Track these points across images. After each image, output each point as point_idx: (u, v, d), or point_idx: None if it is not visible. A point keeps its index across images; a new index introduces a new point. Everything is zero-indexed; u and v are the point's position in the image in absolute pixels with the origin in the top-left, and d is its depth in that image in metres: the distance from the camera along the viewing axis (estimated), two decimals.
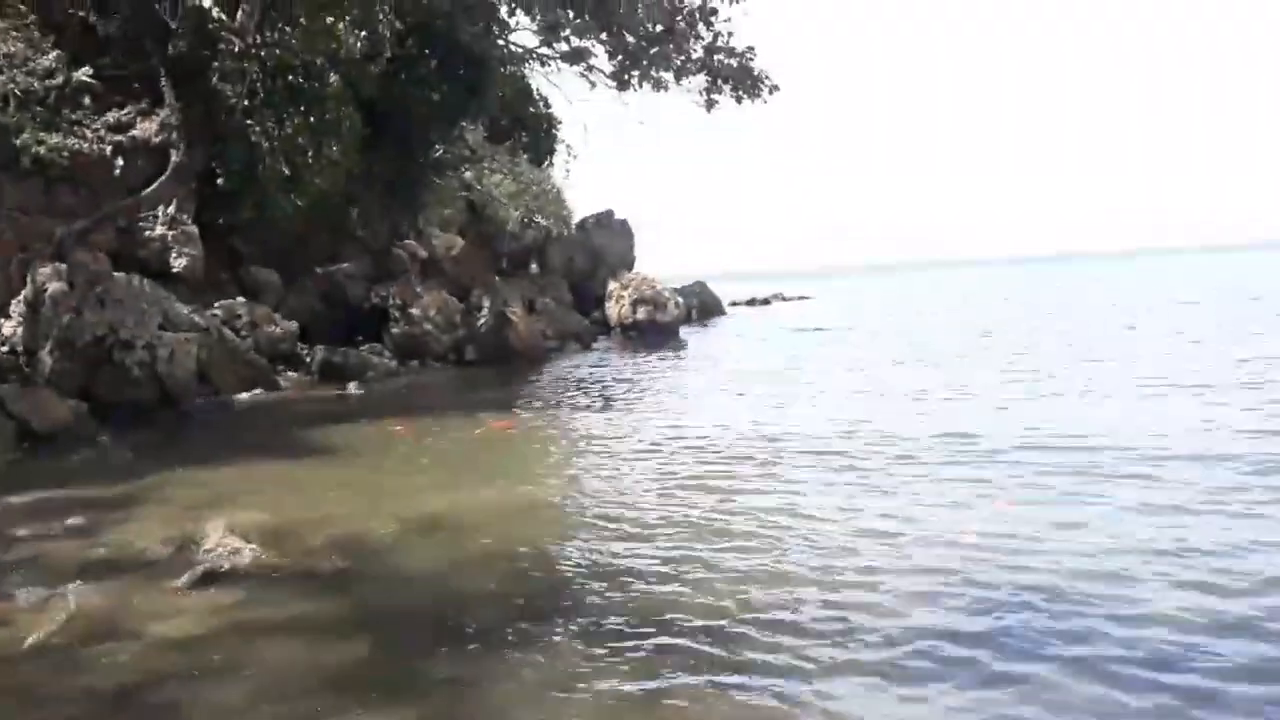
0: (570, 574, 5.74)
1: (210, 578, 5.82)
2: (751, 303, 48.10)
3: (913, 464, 7.80)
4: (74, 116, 15.27)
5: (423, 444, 10.16)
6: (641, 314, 26.30)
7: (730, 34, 19.90)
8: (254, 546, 6.30)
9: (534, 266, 28.90)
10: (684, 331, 27.34)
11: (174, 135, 14.96)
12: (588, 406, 12.71)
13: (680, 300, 27.30)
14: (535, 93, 21.90)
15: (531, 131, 21.64)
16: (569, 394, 14.18)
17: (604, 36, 19.66)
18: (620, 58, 19.89)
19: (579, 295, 27.78)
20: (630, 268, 30.72)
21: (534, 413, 12.38)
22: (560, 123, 22.07)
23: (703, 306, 35.29)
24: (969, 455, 7.97)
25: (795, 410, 11.03)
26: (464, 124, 21.02)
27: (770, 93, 21.47)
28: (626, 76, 20.15)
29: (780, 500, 6.98)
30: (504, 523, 6.98)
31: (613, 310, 27.03)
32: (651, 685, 4.30)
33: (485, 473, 8.67)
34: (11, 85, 14.44)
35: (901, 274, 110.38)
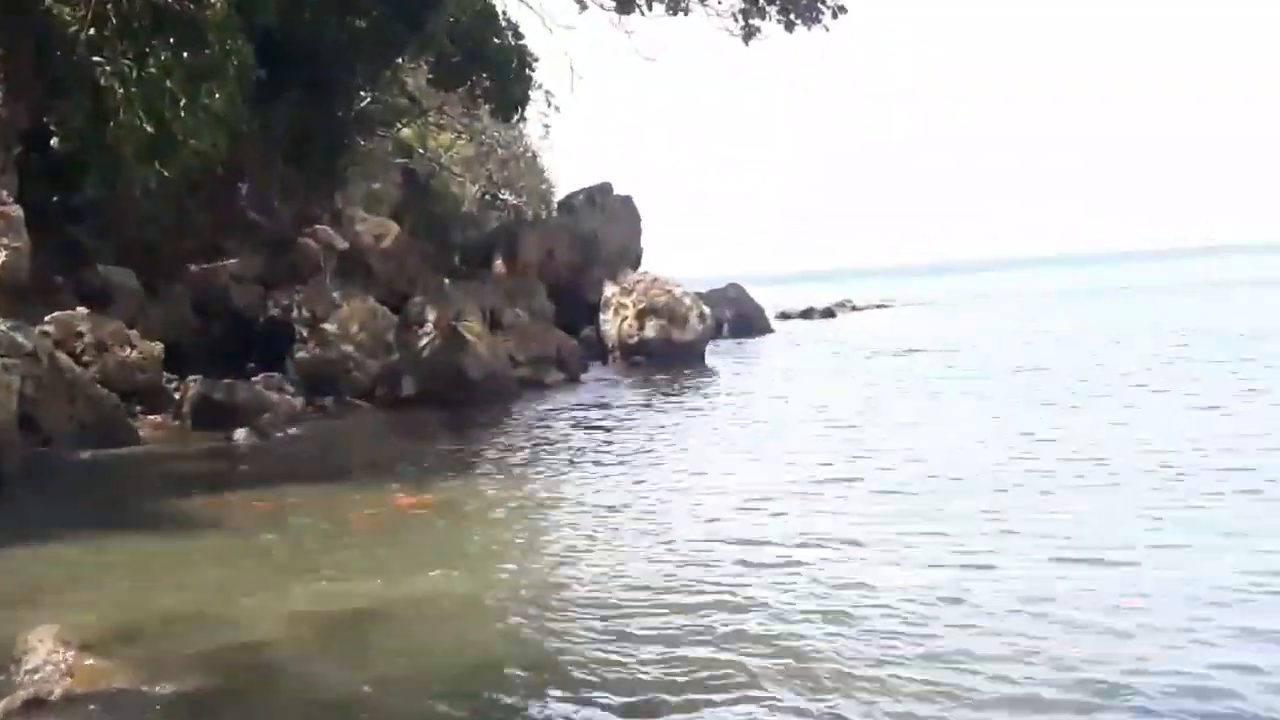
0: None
1: (35, 707, 5.89)
2: (809, 315, 49.08)
3: None
4: None
5: (286, 526, 10.60)
6: (652, 330, 26.67)
7: None
8: (96, 660, 6.39)
9: (499, 263, 29.09)
10: (712, 355, 27.83)
11: None
12: (560, 474, 12.94)
13: (706, 311, 27.58)
14: (501, 16, 22.13)
15: (496, 72, 21.85)
16: (538, 454, 14.48)
17: None
18: None
19: (564, 304, 28.03)
20: (635, 264, 30.92)
21: (476, 481, 12.69)
22: (537, 60, 22.34)
23: (739, 319, 35.87)
24: None
25: (924, 519, 9.53)
26: (400, 62, 21.60)
27: (834, 16, 21.62)
28: None
29: None
30: (433, 626, 7.32)
31: (611, 325, 27.34)
32: None
33: (415, 561, 9.06)
34: None
35: (972, 274, 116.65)
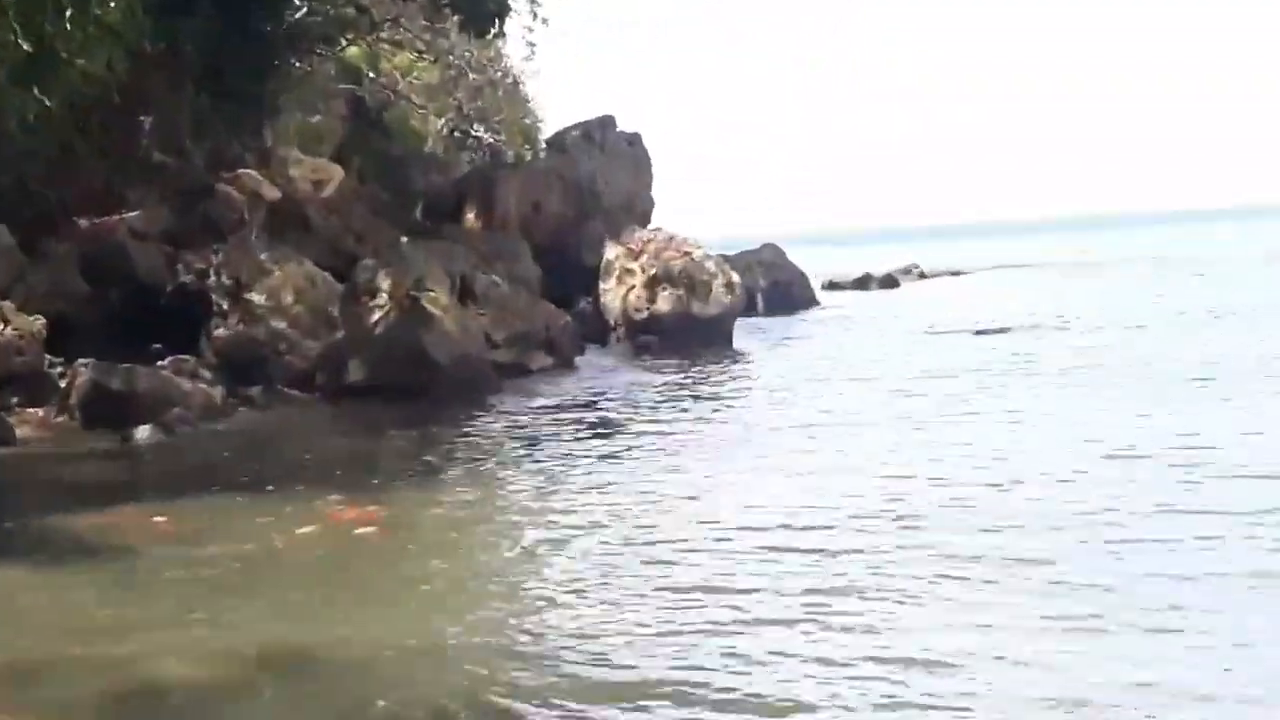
0: None
1: None
2: (864, 284, 48.85)
3: None
4: None
5: (196, 549, 10.69)
6: (665, 302, 26.80)
7: None
8: None
9: (471, 217, 29.03)
10: (742, 335, 27.78)
11: None
12: (541, 489, 12.88)
13: (735, 279, 27.50)
14: None
15: None
16: (515, 461, 14.46)
17: None
18: None
19: (554, 269, 28.10)
20: (645, 220, 30.82)
21: (437, 493, 12.74)
22: None
23: (776, 290, 35.71)
24: None
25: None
26: None
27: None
28: None
29: None
30: (373, 678, 7.42)
31: (614, 296, 27.44)
32: None
33: (355, 593, 9.24)
34: None
35: (1036, 235, 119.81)
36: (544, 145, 32.07)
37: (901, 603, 8.33)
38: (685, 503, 11.94)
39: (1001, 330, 27.13)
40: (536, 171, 30.70)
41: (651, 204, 32.73)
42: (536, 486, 13.03)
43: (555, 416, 17.81)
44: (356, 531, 11.15)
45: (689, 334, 26.24)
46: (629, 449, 14.96)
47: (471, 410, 18.43)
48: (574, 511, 11.66)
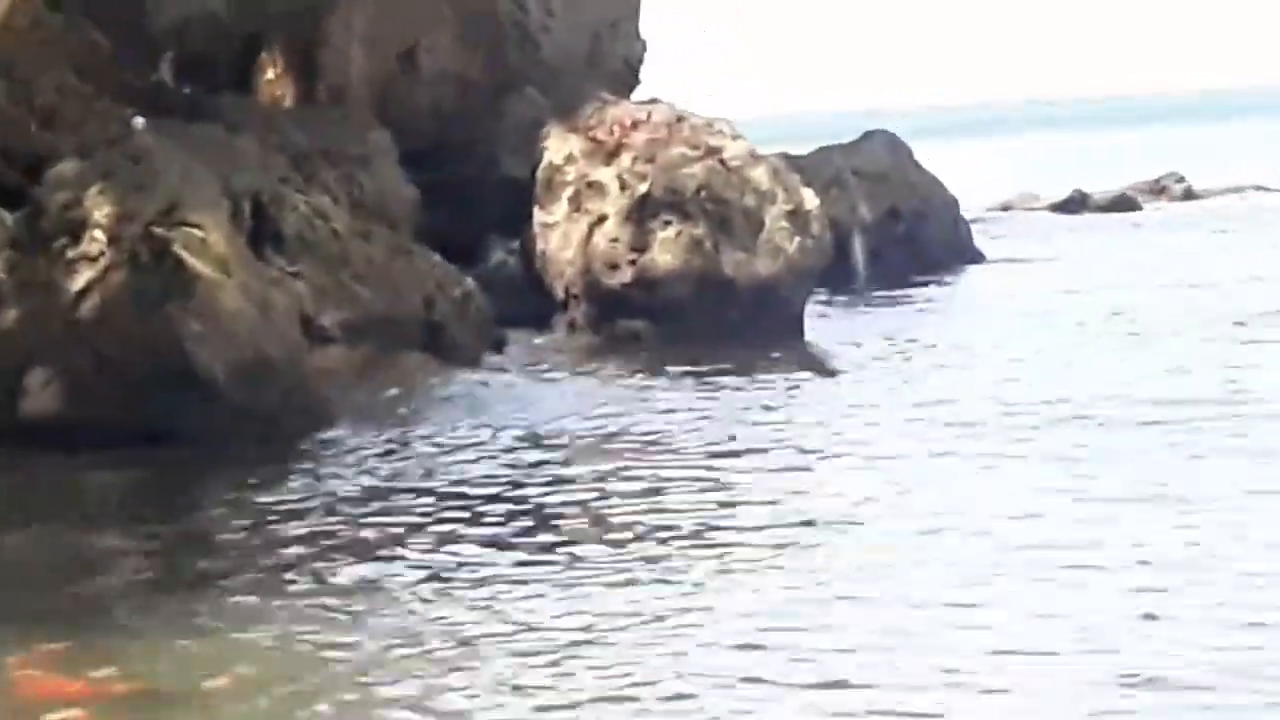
0: None
1: None
2: (1071, 207, 37.70)
3: None
4: None
5: None
6: (669, 250, 20.65)
7: None
8: None
9: (272, 78, 23.00)
10: (822, 318, 21.72)
11: None
12: (391, 642, 9.88)
13: (812, 204, 20.91)
14: None
15: None
16: (352, 576, 11.43)
17: None
18: None
19: (444, 187, 21.73)
20: (628, 85, 24.53)
21: (213, 636, 10.30)
22: None
23: (893, 230, 26.16)
24: None
25: None
26: None
27: None
28: None
29: None
30: None
31: (563, 237, 21.36)
32: None
33: None
34: None
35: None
36: None
37: None
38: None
39: None
40: None
41: (641, 51, 25.03)
42: (382, 637, 9.79)
43: (436, 483, 13.74)
44: (65, 714, 8.91)
45: (716, 316, 19.88)
46: (590, 625, 9.89)
47: (274, 466, 14.65)
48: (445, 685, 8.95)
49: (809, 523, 11.90)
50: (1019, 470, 13.26)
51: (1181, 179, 42.66)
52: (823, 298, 22.71)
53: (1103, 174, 44.91)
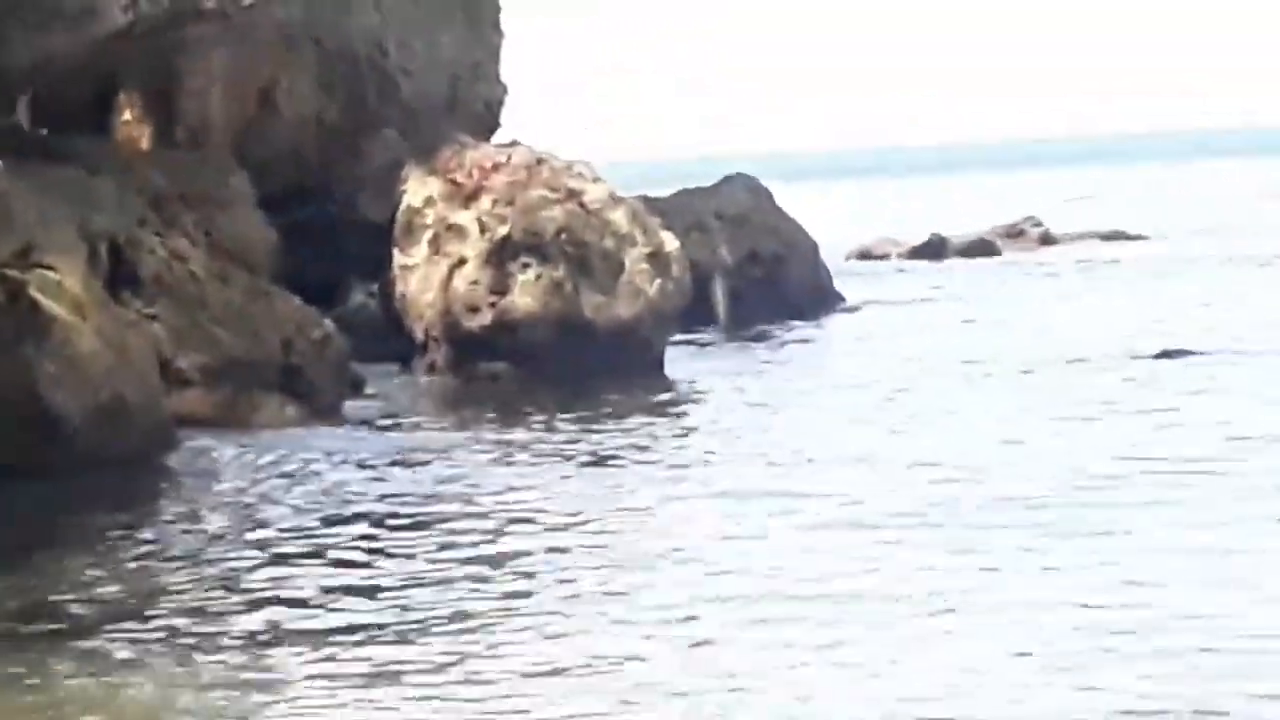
0: None
1: None
2: (933, 252, 37.84)
3: None
4: None
5: None
6: (530, 293, 21.01)
7: None
8: None
9: (129, 119, 22.22)
10: (688, 358, 21.45)
11: None
12: None
13: (672, 246, 21.26)
14: None
15: None
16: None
17: None
18: None
19: (303, 229, 22.04)
20: (489, 127, 24.53)
21: None
22: None
23: (754, 272, 26.57)
24: None
25: None
26: None
27: None
28: None
29: None
30: None
31: (423, 279, 21.19)
32: None
33: None
34: None
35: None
36: None
37: None
38: None
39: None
40: (263, 29, 22.66)
41: (501, 95, 25.03)
42: None
43: (285, 541, 13.26)
44: None
45: (577, 359, 20.17)
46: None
47: (123, 511, 14.45)
48: None
49: (647, 559, 12.17)
50: (814, 506, 13.59)
51: (1039, 223, 43.29)
52: (684, 339, 22.82)
53: (961, 218, 45.55)
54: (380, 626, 10.67)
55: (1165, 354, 21.33)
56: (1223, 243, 40.53)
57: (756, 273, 27.09)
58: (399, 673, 9.29)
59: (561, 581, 11.74)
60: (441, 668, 9.62)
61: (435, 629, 10.64)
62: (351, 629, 10.58)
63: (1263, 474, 14.02)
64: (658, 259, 21.29)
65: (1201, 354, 21.34)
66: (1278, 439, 15.91)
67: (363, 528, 13.70)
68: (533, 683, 9.05)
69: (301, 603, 11.69)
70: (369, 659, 9.84)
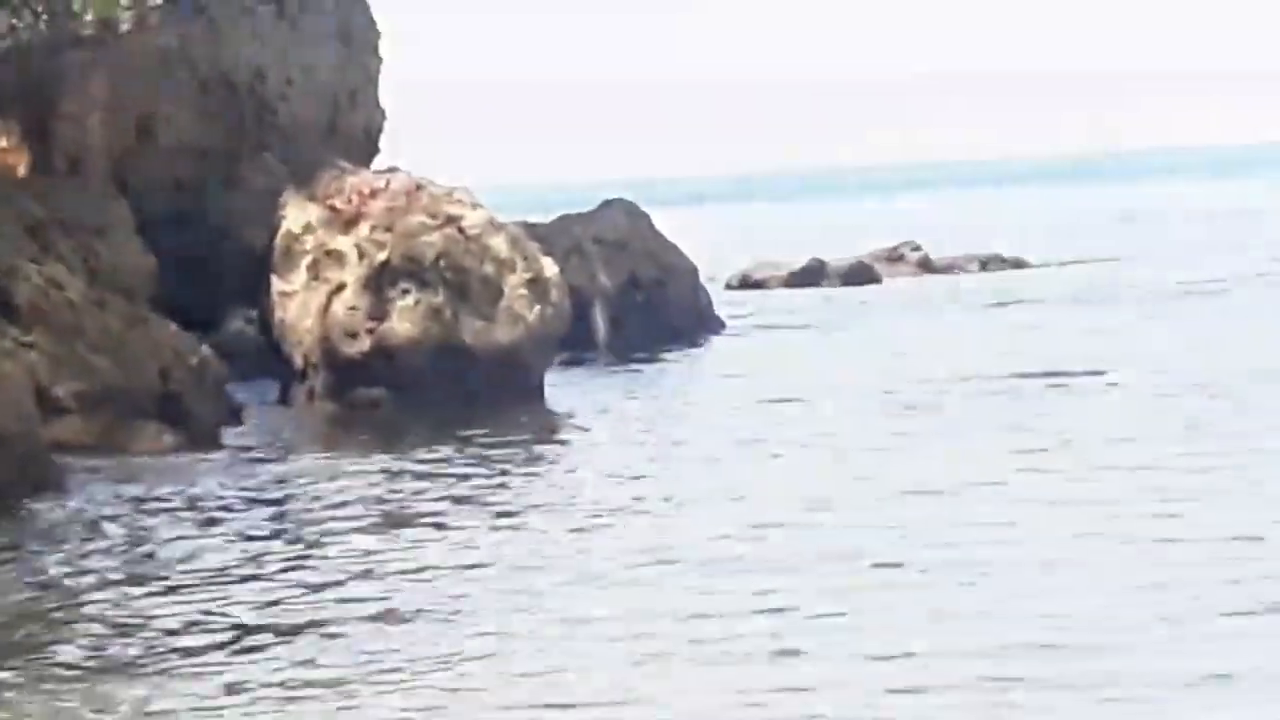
0: None
1: None
2: (810, 278, 37.58)
3: None
4: None
5: None
6: (409, 319, 20.79)
7: None
8: None
9: (4, 146, 21.56)
10: (565, 383, 21.00)
11: None
12: None
13: (550, 272, 21.19)
14: None
15: None
16: None
17: None
18: None
19: (180, 257, 21.89)
20: (368, 153, 24.51)
21: None
22: None
23: (634, 297, 26.63)
24: None
25: None
26: None
27: None
28: None
29: None
30: None
31: (302, 306, 21.01)
32: None
33: None
34: None
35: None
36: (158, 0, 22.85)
37: None
38: None
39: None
40: (141, 57, 22.39)
41: (380, 120, 25.01)
42: None
43: (163, 576, 12.91)
44: None
45: (456, 384, 20.13)
46: None
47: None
48: None
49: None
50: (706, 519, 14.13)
51: (918, 248, 43.46)
52: (564, 364, 22.77)
53: (841, 243, 46.06)
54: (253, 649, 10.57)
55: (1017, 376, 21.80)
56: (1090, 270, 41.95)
57: (637, 297, 26.93)
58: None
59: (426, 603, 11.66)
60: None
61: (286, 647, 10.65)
62: (221, 649, 10.59)
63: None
64: (537, 285, 21.14)
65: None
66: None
67: (237, 554, 13.44)
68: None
69: (168, 631, 11.38)
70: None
